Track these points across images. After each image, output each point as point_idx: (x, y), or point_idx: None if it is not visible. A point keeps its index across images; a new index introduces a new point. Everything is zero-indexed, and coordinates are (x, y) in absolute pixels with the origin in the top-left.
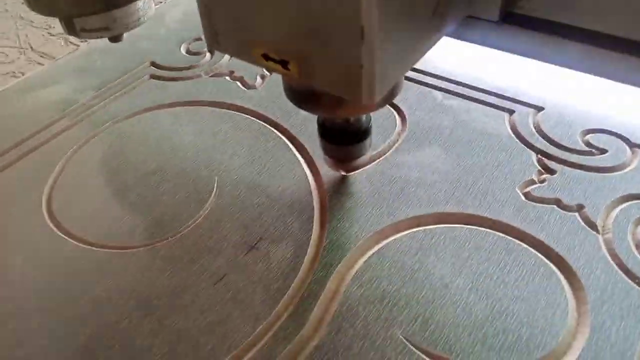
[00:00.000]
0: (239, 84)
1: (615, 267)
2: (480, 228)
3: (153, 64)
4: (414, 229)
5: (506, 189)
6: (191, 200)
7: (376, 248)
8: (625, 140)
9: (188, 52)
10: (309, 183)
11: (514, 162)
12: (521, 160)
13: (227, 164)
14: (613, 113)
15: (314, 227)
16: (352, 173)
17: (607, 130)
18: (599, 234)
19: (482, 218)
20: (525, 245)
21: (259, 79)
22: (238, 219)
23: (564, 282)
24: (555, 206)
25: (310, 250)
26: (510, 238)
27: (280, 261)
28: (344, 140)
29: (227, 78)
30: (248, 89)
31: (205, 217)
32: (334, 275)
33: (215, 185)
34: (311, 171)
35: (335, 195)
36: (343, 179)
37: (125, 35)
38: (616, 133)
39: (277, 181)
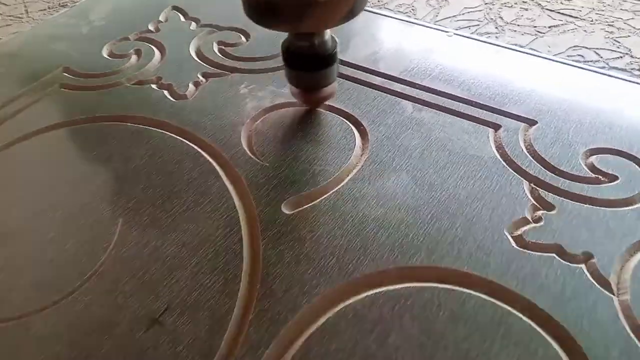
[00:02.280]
0: (166, 93)
1: (638, 344)
2: (459, 289)
3: (67, 70)
4: (373, 291)
5: (492, 233)
6: (84, 252)
7: (321, 321)
8: (639, 162)
9: (111, 54)
10: (241, 224)
11: (502, 194)
12: (510, 191)
13: (137, 200)
14: (622, 126)
15: (240, 289)
16: (314, 200)
17: (615, 149)
18: (613, 294)
19: (461, 274)
20: (517, 314)
21: (191, 87)
22: (141, 279)
23: None
24: (555, 255)
25: (233, 325)
26: (499, 303)
27: (190, 342)
28: (310, 65)
29: (153, 86)
30: (177, 99)
31: (98, 276)
32: None
33: (118, 229)
34: (244, 208)
35: (273, 241)
36: (284, 220)
37: (38, 35)
38: (627, 153)
39: (199, 223)
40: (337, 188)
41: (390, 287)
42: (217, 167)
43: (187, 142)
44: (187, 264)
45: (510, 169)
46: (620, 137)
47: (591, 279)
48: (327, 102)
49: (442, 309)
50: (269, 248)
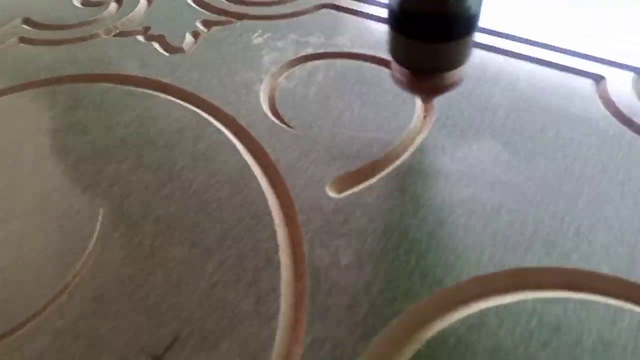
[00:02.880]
0: (157, 46)
1: None
2: (602, 299)
3: (27, 21)
4: (477, 306)
5: (631, 217)
6: (50, 259)
7: (408, 353)
8: None
9: (84, 2)
10: (271, 213)
11: (630, 164)
12: (639, 161)
13: (125, 183)
14: None
15: (282, 308)
16: (361, 185)
17: None
18: None
19: (602, 278)
20: None
21: (189, 38)
22: (134, 295)
23: None
24: None
25: None
26: None
27: None
28: (441, 30)
29: (140, 38)
30: (171, 53)
31: (71, 294)
32: None
33: (99, 225)
34: (275, 191)
35: (320, 236)
36: (332, 206)
37: None
38: None
39: (213, 213)
40: (399, 161)
41: (503, 301)
42: (232, 138)
43: (188, 105)
44: (200, 273)
45: (631, 132)
46: None
47: None
48: (367, 52)
49: (585, 329)
50: (317, 246)
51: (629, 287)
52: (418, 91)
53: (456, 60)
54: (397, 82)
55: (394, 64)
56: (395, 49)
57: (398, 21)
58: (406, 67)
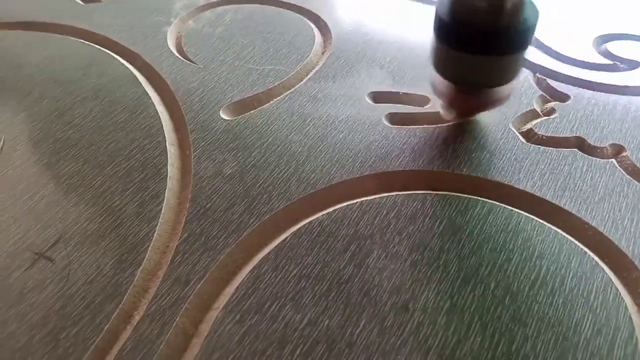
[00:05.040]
0: None
1: None
2: (459, 194)
3: None
4: (345, 203)
5: (495, 128)
6: None
7: (274, 243)
8: None
9: None
10: (165, 134)
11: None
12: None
13: (28, 113)
14: (635, 9)
15: (163, 210)
16: (249, 113)
17: (631, 34)
18: None
19: (460, 178)
20: (538, 219)
21: None
22: (26, 204)
23: (620, 288)
24: (577, 150)
25: (152, 255)
26: (512, 209)
27: (90, 279)
28: (490, 41)
29: None
30: (87, 2)
31: None
32: (178, 322)
33: (0, 148)
34: (170, 115)
35: (208, 152)
36: (224, 126)
37: None
38: None
39: (108, 135)
40: (293, 89)
41: (367, 198)
42: (136, 72)
43: (97, 46)
44: (89, 184)
45: None
46: (636, 20)
47: (625, 174)
48: None
49: (438, 218)
50: (204, 159)
51: (486, 184)
52: (461, 107)
53: (506, 76)
54: (439, 96)
55: (437, 77)
56: (439, 61)
57: (446, 32)
58: (451, 81)
